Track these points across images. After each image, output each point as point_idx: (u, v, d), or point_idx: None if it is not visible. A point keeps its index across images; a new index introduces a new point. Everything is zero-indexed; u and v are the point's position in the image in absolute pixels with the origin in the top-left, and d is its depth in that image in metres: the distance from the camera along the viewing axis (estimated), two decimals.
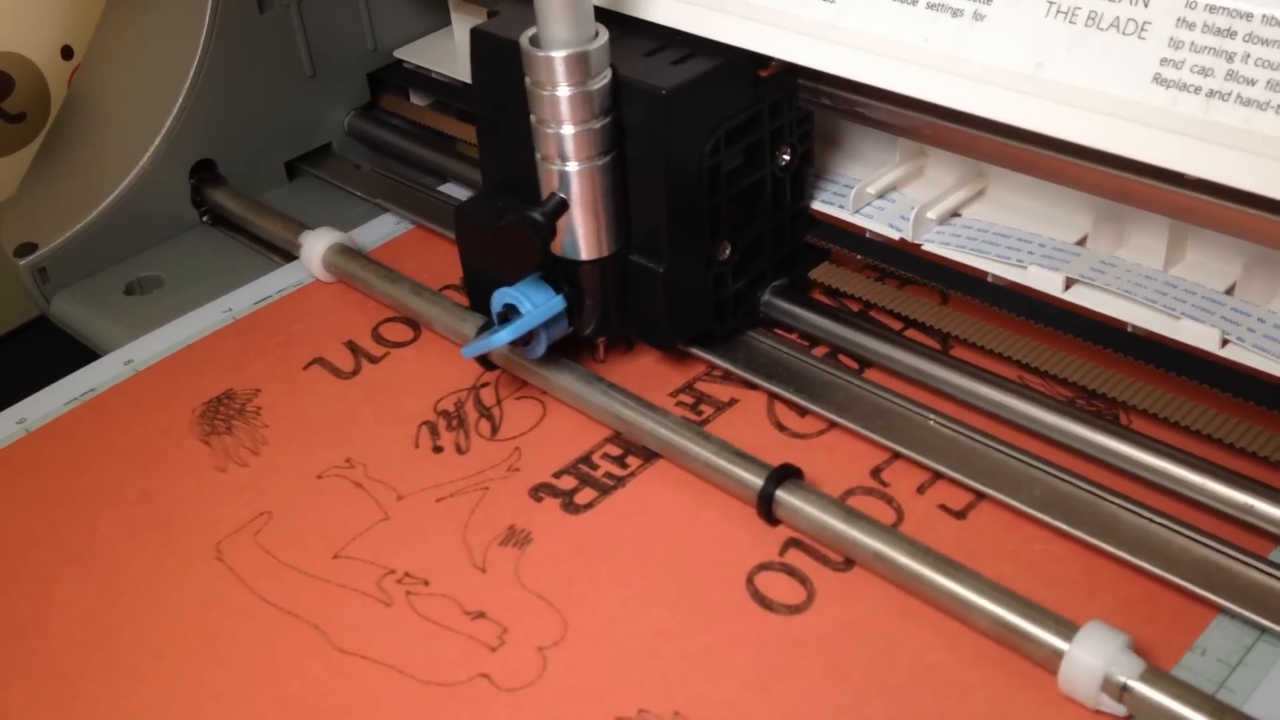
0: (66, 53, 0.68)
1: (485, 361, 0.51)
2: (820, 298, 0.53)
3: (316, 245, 0.58)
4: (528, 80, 0.45)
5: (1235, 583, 0.39)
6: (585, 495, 0.45)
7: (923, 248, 0.49)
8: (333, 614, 0.42)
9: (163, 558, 0.44)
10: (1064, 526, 0.42)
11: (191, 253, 0.63)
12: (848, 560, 0.42)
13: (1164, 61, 0.39)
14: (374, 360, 0.53)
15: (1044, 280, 0.46)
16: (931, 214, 0.50)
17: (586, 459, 0.47)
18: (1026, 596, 0.38)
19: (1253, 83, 0.37)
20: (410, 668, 0.40)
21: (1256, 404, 0.42)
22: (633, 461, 0.47)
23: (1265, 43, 0.37)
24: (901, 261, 0.50)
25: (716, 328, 0.50)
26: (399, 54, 0.69)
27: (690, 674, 0.39)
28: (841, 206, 0.51)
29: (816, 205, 0.52)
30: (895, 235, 0.50)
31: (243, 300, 0.57)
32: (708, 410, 0.49)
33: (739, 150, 0.48)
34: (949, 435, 0.46)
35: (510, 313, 0.47)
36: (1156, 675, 0.36)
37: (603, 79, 0.45)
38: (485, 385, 0.51)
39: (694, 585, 0.42)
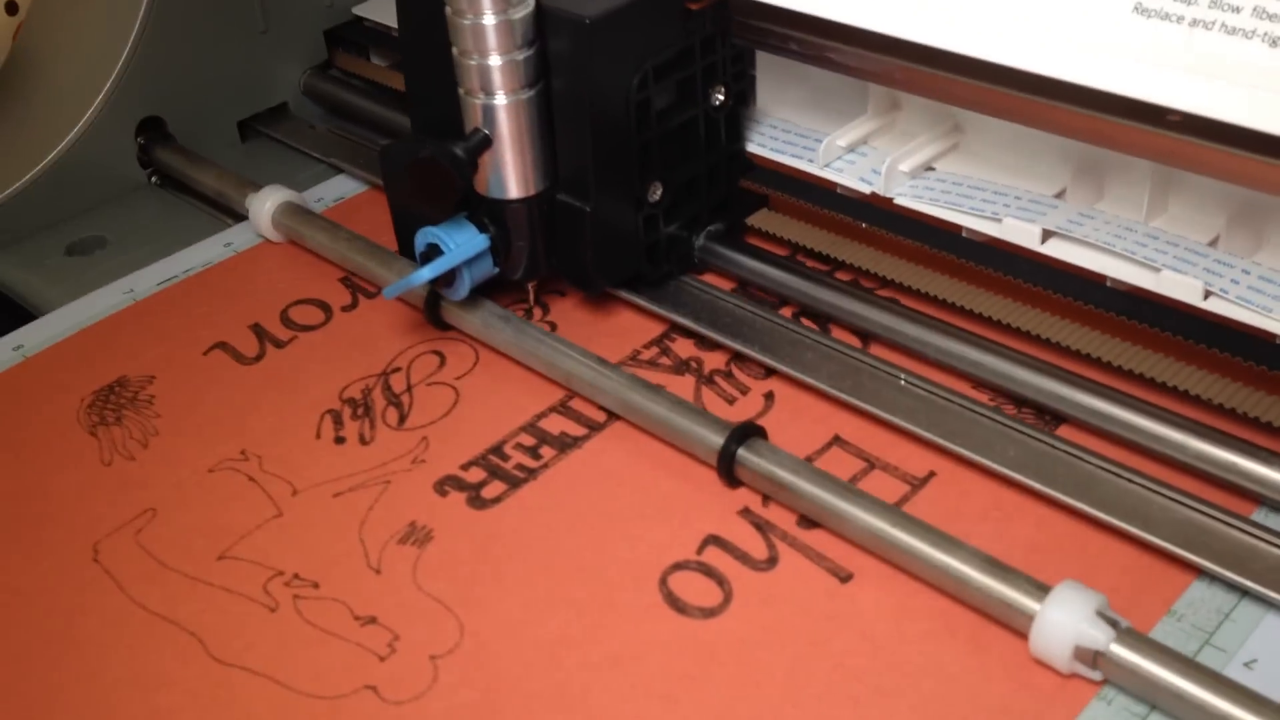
0: (11, 8, 0.64)
1: (438, 321, 0.49)
2: (765, 245, 0.51)
3: (266, 204, 0.55)
4: (448, 9, 0.43)
5: (1216, 544, 0.37)
6: (493, 489, 0.42)
7: (895, 202, 0.47)
8: (213, 620, 0.38)
9: (35, 559, 0.41)
10: (1038, 486, 0.39)
11: (137, 213, 0.60)
12: (769, 559, 0.39)
13: None
14: (279, 345, 0.50)
15: (1020, 233, 0.44)
16: (904, 167, 0.47)
17: (498, 449, 0.44)
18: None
19: (1238, 10, 0.35)
20: (291, 679, 0.36)
21: (1240, 359, 0.40)
22: (547, 452, 0.44)
23: None
24: (873, 216, 0.48)
25: (648, 271, 0.48)
26: (358, 11, 0.66)
27: (592, 684, 0.36)
28: (811, 160, 0.49)
29: (785, 159, 0.50)
30: (867, 190, 0.48)
31: (151, 278, 0.54)
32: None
33: (669, 86, 0.46)
34: (920, 395, 0.43)
35: (433, 252, 0.46)
36: (1133, 637, 0.33)
37: (524, 7, 0.43)
38: (396, 371, 0.48)
39: (603, 587, 0.38)
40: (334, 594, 0.39)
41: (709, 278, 0.50)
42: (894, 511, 0.38)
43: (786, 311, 0.48)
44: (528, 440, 0.44)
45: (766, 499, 0.41)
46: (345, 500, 0.42)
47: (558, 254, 0.47)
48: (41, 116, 0.60)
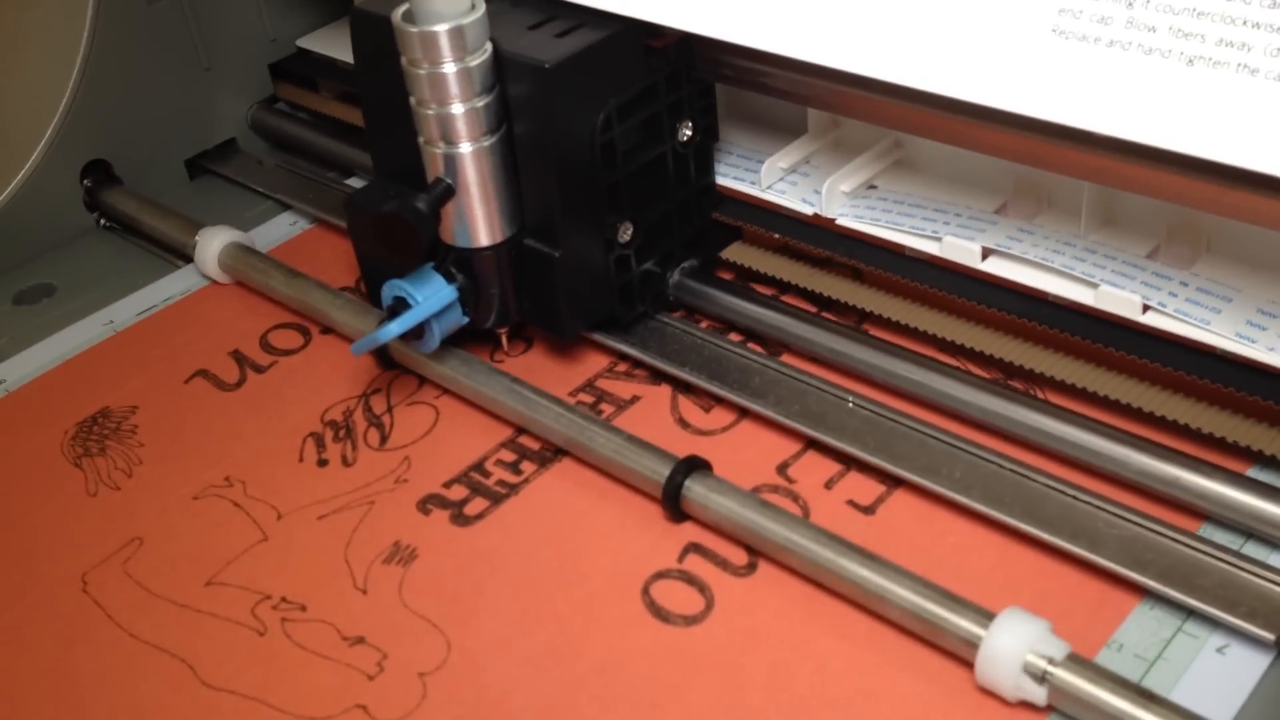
0: None
1: (386, 360, 0.49)
2: (731, 278, 0.50)
3: (211, 245, 0.55)
4: (404, 59, 0.43)
5: (1162, 562, 0.37)
6: (476, 505, 0.43)
7: (837, 222, 0.47)
8: (202, 646, 0.39)
9: (24, 591, 0.41)
10: (983, 508, 0.39)
11: (85, 259, 0.60)
12: (749, 564, 0.40)
13: (1062, 11, 0.37)
14: (260, 370, 0.50)
15: (960, 251, 0.44)
16: (845, 187, 0.47)
17: (479, 466, 0.44)
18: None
19: (1153, 30, 0.35)
20: (281, 701, 0.37)
21: (1180, 372, 0.40)
22: (527, 467, 0.44)
23: None
24: (815, 238, 0.48)
25: (622, 312, 0.48)
26: (302, 43, 0.66)
27: (577, 695, 0.36)
28: (753, 183, 0.49)
29: (726, 181, 0.49)
30: (808, 211, 0.48)
31: (128, 310, 0.55)
32: (608, 409, 0.46)
33: (635, 125, 0.45)
34: (867, 417, 0.43)
35: (400, 305, 0.45)
36: (1079, 662, 0.34)
37: (481, 55, 0.42)
38: (376, 392, 0.48)
39: (586, 598, 0.39)
40: (321, 615, 0.39)
41: (681, 313, 0.50)
42: (837, 543, 0.38)
43: (735, 336, 0.48)
44: (508, 456, 0.45)
45: None
46: (330, 522, 0.43)
47: (529, 300, 0.47)
48: None
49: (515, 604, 0.39)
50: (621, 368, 0.48)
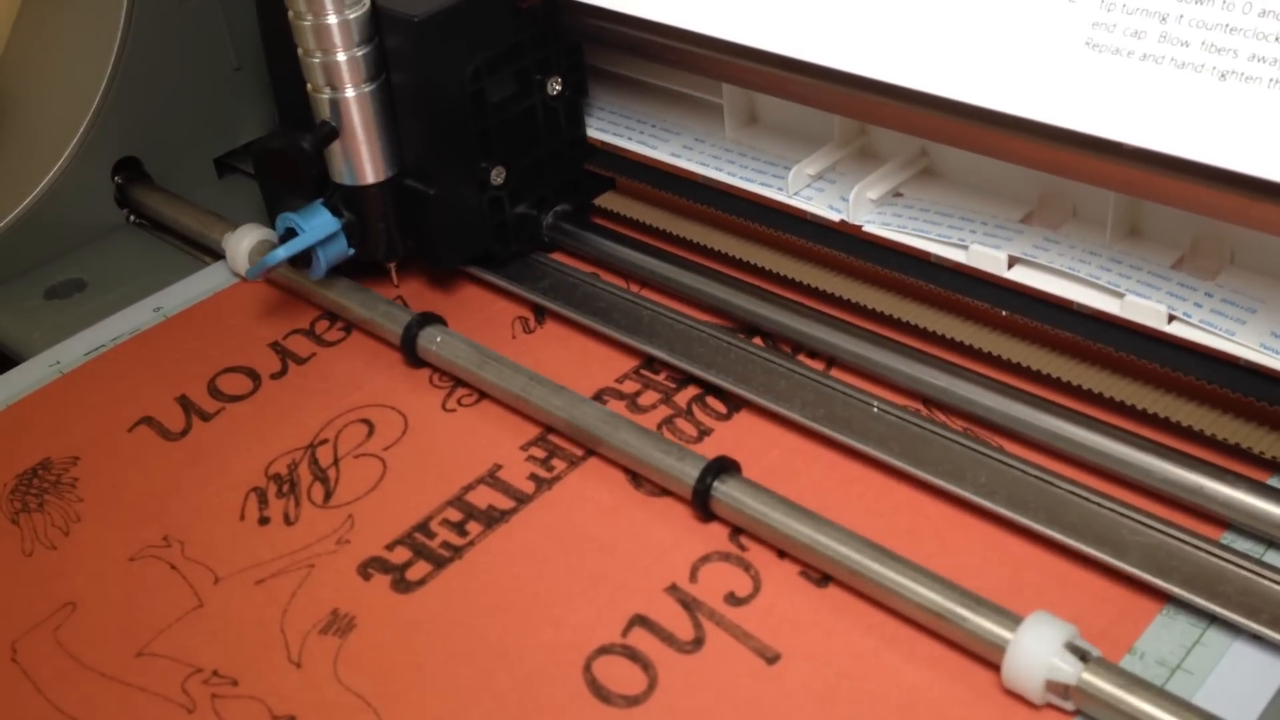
0: None
1: (414, 357, 0.49)
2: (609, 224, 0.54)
3: (242, 243, 0.55)
4: (290, 13, 0.47)
5: (1185, 569, 0.37)
6: (418, 570, 0.41)
7: (863, 229, 0.47)
8: None
9: None
10: (1008, 513, 0.39)
11: (116, 254, 0.60)
12: (695, 639, 0.38)
13: (1096, 25, 0.37)
14: (206, 418, 0.49)
15: (986, 259, 0.44)
16: (871, 194, 0.47)
17: (424, 526, 0.43)
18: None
19: (1186, 44, 0.35)
20: None
21: (1205, 382, 0.40)
22: (473, 528, 0.43)
23: (1198, 0, 0.35)
24: (842, 244, 0.48)
25: (498, 249, 0.52)
26: None
27: None
28: (780, 189, 0.49)
29: (754, 188, 0.49)
30: (835, 217, 0.47)
31: (98, 338, 0.54)
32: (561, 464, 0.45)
33: (507, 78, 0.50)
34: (892, 422, 0.43)
35: (290, 235, 0.49)
36: (1104, 666, 0.34)
37: (360, 7, 0.47)
38: (323, 443, 0.47)
39: (526, 674, 0.38)
40: (252, 691, 0.38)
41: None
42: (864, 544, 0.38)
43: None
44: (454, 515, 0.43)
45: (694, 574, 0.40)
46: (267, 588, 0.41)
47: (412, 234, 0.51)
48: (17, 160, 0.60)
49: (452, 681, 0.38)
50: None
